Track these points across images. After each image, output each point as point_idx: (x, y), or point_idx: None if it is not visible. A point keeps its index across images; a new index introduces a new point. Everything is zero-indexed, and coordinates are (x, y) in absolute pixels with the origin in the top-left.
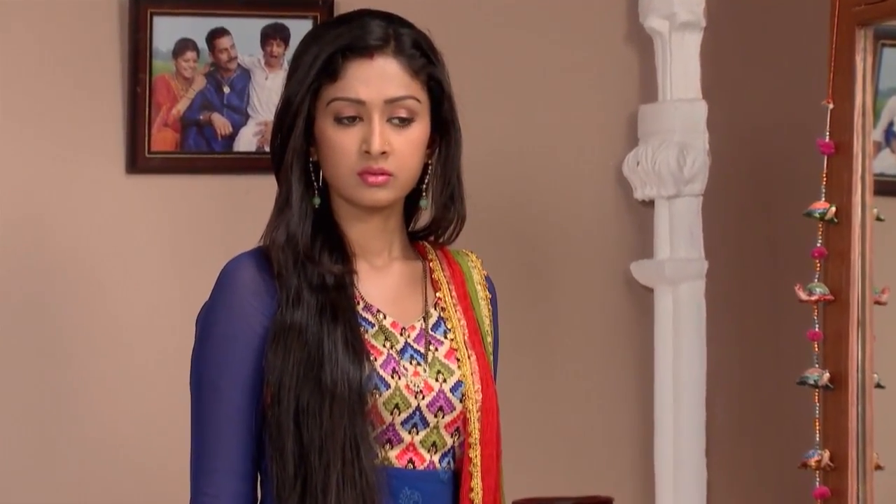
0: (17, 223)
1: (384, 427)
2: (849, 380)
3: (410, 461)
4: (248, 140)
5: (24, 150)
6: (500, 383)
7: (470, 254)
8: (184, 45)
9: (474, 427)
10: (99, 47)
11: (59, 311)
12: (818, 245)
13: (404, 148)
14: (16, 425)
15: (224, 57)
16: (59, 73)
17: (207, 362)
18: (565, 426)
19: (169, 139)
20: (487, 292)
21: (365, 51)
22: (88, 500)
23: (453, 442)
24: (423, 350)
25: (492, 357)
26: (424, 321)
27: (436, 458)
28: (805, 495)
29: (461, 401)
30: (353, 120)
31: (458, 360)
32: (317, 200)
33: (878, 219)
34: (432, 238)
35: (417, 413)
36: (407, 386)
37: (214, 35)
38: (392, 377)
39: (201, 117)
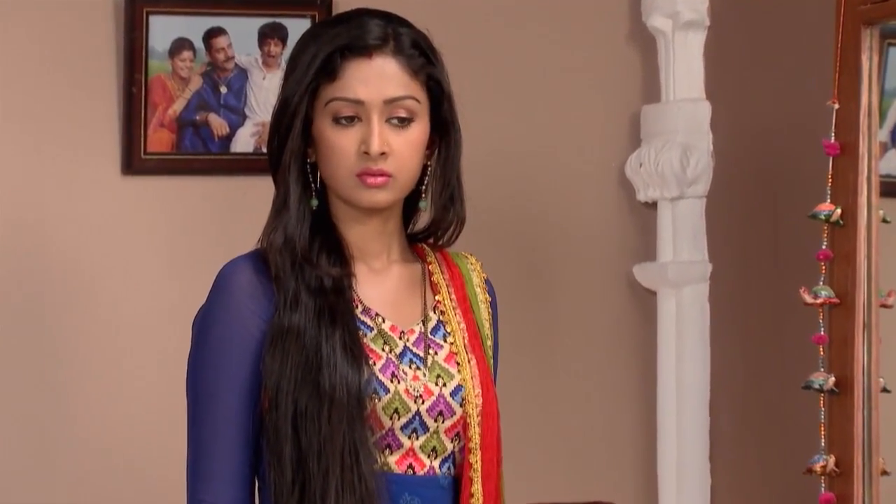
0: (11, 224)
1: (383, 432)
2: (854, 384)
3: (410, 466)
4: (245, 141)
5: (20, 150)
6: (500, 387)
7: (469, 256)
8: (180, 45)
9: (474, 432)
10: (94, 47)
11: (54, 314)
12: (823, 247)
13: (403, 149)
14: (11, 426)
15: (221, 56)
16: (54, 73)
17: (204, 366)
18: (567, 431)
19: (165, 140)
20: (487, 295)
21: (364, 50)
22: (85, 502)
23: (453, 447)
24: (422, 354)
25: (492, 361)
26: (423, 325)
27: (436, 463)
28: (810, 501)
29: (461, 405)
30: (351, 120)
31: (457, 364)
32: (315, 202)
33: (884, 220)
34: (431, 240)
35: (417, 418)
36: (406, 390)
37: (211, 34)
38: (391, 381)
39: (198, 118)
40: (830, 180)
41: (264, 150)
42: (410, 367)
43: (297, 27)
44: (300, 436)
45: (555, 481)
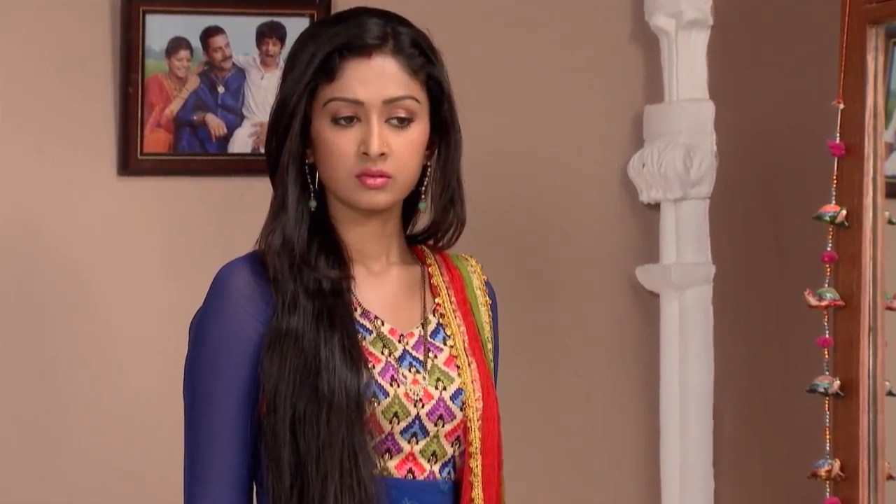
0: (7, 225)
1: (383, 436)
2: (860, 387)
3: (410, 471)
4: (243, 141)
5: (15, 151)
6: (501, 391)
7: (469, 258)
8: (177, 44)
9: (475, 436)
10: (90, 46)
11: (51, 316)
12: (828, 249)
13: (403, 149)
14: (7, 428)
15: (218, 56)
16: (49, 73)
17: (201, 370)
18: (569, 434)
19: (162, 140)
20: (487, 298)
21: (363, 50)
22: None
23: (453, 451)
24: (422, 357)
25: (492, 364)
26: (423, 328)
27: (436, 467)
28: None
29: (461, 409)
30: (350, 121)
31: (458, 367)
32: (313, 203)
33: (890, 222)
34: (431, 242)
35: (417, 422)
36: (406, 394)
37: (208, 33)
38: (391, 385)
39: (195, 118)
40: (835, 181)
41: (262, 150)
42: (410, 371)
43: (295, 26)
44: (298, 440)
45: (556, 485)
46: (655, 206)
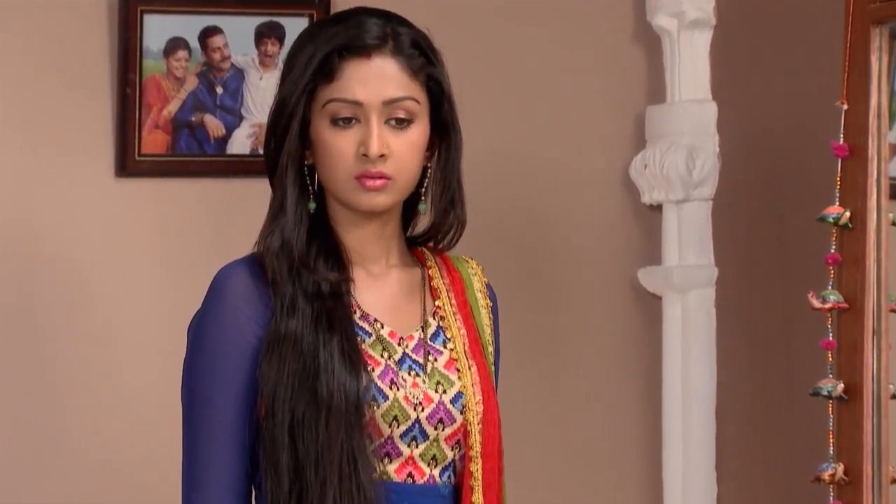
0: (4, 227)
1: (382, 440)
2: (864, 391)
3: (410, 475)
4: (241, 142)
5: (11, 152)
6: (501, 394)
7: (470, 260)
8: (175, 44)
9: (475, 440)
10: (87, 46)
11: (48, 319)
12: (832, 251)
13: (403, 151)
14: (4, 429)
15: (217, 56)
16: (46, 74)
17: (199, 373)
18: (570, 438)
19: (160, 141)
20: (488, 300)
21: (362, 50)
22: None
23: (454, 455)
24: (421, 360)
25: (493, 367)
26: (423, 331)
27: (436, 471)
28: None
29: (462, 413)
30: (349, 122)
31: (458, 370)
32: (312, 205)
33: (894, 224)
34: (431, 244)
35: (417, 425)
36: (406, 397)
37: (207, 34)
38: (390, 388)
39: (193, 119)
40: (839, 183)
41: (261, 151)
42: (410, 374)
43: (294, 26)
44: (297, 444)
45: (558, 489)
46: (657, 208)
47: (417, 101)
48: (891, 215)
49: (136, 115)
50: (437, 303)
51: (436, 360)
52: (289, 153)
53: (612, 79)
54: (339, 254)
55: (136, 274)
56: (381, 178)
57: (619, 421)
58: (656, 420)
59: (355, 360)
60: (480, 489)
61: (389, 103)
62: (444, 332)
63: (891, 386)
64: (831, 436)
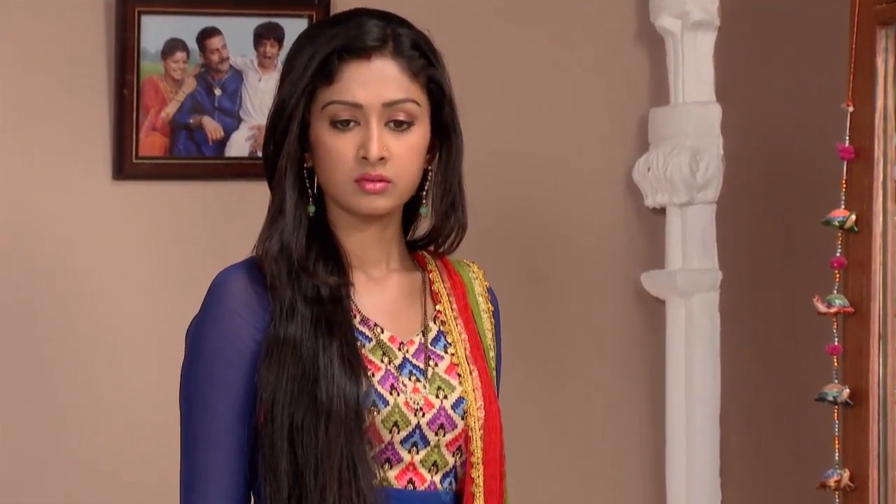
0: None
1: (383, 446)
2: (869, 396)
3: (410, 482)
4: (240, 145)
5: (7, 155)
6: (503, 400)
7: (471, 264)
8: (173, 46)
9: (476, 446)
10: (84, 48)
11: (45, 322)
12: (837, 255)
13: (403, 153)
14: (1, 432)
15: (215, 58)
16: (42, 75)
17: (198, 379)
18: (573, 443)
19: (157, 144)
20: (489, 305)
21: (362, 52)
22: None
23: (455, 461)
24: (422, 365)
25: (494, 372)
26: (423, 335)
27: (437, 478)
28: None
29: (463, 418)
30: (349, 124)
31: (459, 375)
32: (311, 209)
33: None
34: (432, 248)
35: (417, 431)
36: (406, 403)
37: (205, 35)
38: (391, 394)
39: (191, 121)
40: (845, 185)
41: (260, 154)
42: (410, 379)
43: (293, 27)
44: (296, 450)
45: (561, 495)
46: (661, 211)
47: (418, 104)
48: None
49: (133, 117)
50: (437, 307)
51: (437, 365)
52: (288, 156)
53: (614, 80)
54: (338, 257)
55: (134, 277)
56: (380, 181)
57: (621, 426)
58: (660, 425)
59: (355, 366)
60: (482, 495)
61: (389, 105)
62: (444, 337)
63: None
64: (837, 441)
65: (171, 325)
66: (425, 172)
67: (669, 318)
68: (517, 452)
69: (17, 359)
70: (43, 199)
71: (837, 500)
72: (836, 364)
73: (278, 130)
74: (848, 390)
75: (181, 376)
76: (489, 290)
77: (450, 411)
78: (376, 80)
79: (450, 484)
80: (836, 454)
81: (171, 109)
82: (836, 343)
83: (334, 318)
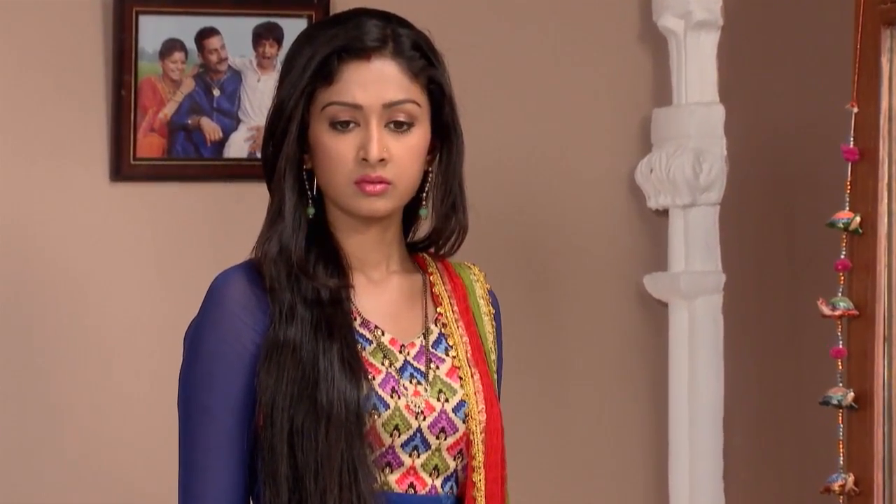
0: None
1: (383, 450)
2: (874, 399)
3: (411, 485)
4: (238, 146)
5: (3, 156)
6: (504, 403)
7: (472, 266)
8: (171, 46)
9: (478, 449)
10: (81, 48)
11: (42, 324)
12: (842, 257)
13: (403, 155)
14: None
15: (214, 58)
16: (39, 76)
17: (196, 382)
18: (574, 447)
19: (155, 145)
20: (491, 307)
21: (362, 52)
22: None
23: (456, 465)
24: (423, 368)
25: (496, 375)
26: (425, 338)
27: (438, 482)
28: None
29: (464, 422)
30: (349, 125)
31: (460, 378)
32: (311, 210)
33: None
34: (432, 250)
35: (418, 435)
36: (407, 406)
37: (204, 35)
38: (391, 397)
39: (190, 122)
40: (849, 187)
41: (259, 155)
42: (411, 382)
43: (292, 27)
44: (296, 454)
45: (562, 500)
46: (664, 213)
47: (418, 104)
48: None
49: (131, 118)
50: (438, 309)
51: (438, 367)
52: (287, 157)
53: (617, 81)
54: (338, 260)
55: (132, 280)
56: (380, 182)
57: (624, 430)
58: (663, 429)
59: (355, 369)
60: (483, 499)
61: (389, 106)
62: (446, 340)
63: None
64: (841, 445)
65: (170, 327)
66: (426, 174)
67: (672, 321)
68: (519, 456)
69: (13, 361)
70: (40, 201)
71: None
72: (840, 367)
73: (277, 131)
74: (852, 394)
75: (179, 379)
76: (490, 293)
77: (451, 415)
78: (376, 81)
79: (451, 488)
80: (841, 458)
81: (169, 110)
82: (840, 346)
83: (334, 320)
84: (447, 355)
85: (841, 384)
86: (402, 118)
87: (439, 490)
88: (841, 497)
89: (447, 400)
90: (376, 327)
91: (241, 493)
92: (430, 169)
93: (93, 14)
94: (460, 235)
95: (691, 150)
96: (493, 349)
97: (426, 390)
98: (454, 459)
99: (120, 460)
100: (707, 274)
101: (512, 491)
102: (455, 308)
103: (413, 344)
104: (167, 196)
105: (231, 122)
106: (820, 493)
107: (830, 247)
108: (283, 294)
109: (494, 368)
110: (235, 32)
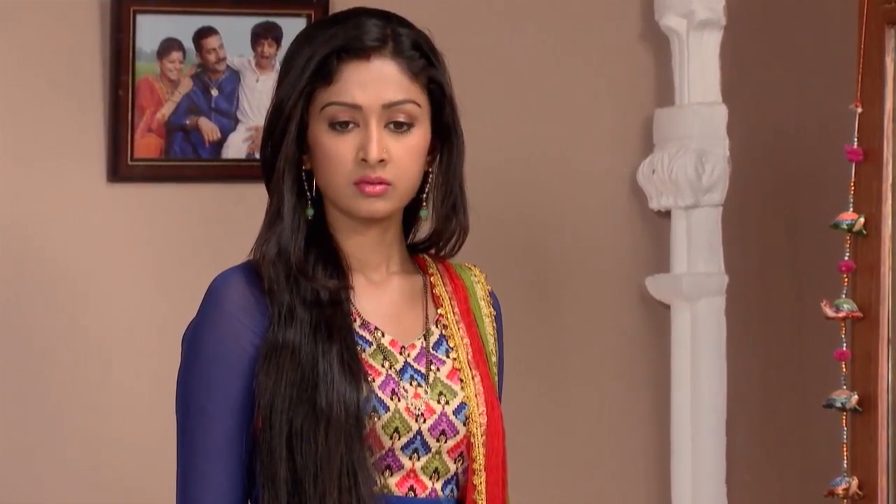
0: None
1: (383, 452)
2: (878, 402)
3: (411, 489)
4: (237, 146)
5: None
6: (505, 406)
7: (473, 268)
8: (169, 46)
9: (479, 452)
10: (79, 47)
11: (38, 326)
12: (846, 258)
13: (403, 155)
14: None
15: (212, 58)
16: (36, 76)
17: (194, 384)
18: (576, 451)
19: (153, 145)
20: (492, 309)
21: (361, 52)
22: None
23: (456, 468)
24: (423, 370)
25: (496, 378)
26: (425, 339)
27: (438, 485)
28: None
29: (465, 424)
30: (348, 126)
31: (461, 380)
32: (310, 212)
33: None
34: (433, 251)
35: (418, 437)
36: (407, 408)
37: (202, 34)
38: (391, 399)
39: (188, 122)
40: (853, 188)
41: (257, 156)
42: (411, 384)
43: (291, 27)
44: (295, 457)
45: (564, 503)
46: (666, 214)
47: (418, 105)
48: None
49: (128, 118)
50: (439, 311)
51: (438, 369)
52: (286, 158)
53: (618, 81)
54: (338, 261)
55: (129, 281)
56: (380, 183)
57: (626, 432)
58: (665, 432)
59: (355, 371)
60: (484, 503)
61: (389, 107)
62: (446, 341)
63: None
64: (845, 449)
65: (168, 329)
66: (426, 174)
67: (675, 323)
68: (520, 458)
69: (10, 362)
70: (36, 202)
71: None
72: (844, 370)
73: (276, 132)
74: (856, 396)
75: (177, 381)
76: (491, 294)
77: (451, 417)
78: (376, 81)
79: (451, 491)
80: (845, 461)
81: (166, 110)
82: (844, 348)
83: (334, 321)
84: (448, 357)
85: (845, 387)
86: (401, 119)
87: (439, 493)
88: (844, 501)
89: (447, 402)
90: (376, 328)
91: (240, 495)
92: (430, 170)
93: (90, 13)
94: (461, 237)
95: (694, 151)
96: (495, 351)
97: (426, 392)
98: (455, 462)
99: (118, 462)
100: (710, 275)
101: (512, 493)
102: (456, 309)
103: (413, 345)
104: (165, 197)
105: (229, 122)
106: (823, 497)
107: (834, 248)
108: (281, 296)
109: (496, 370)
110: (234, 32)
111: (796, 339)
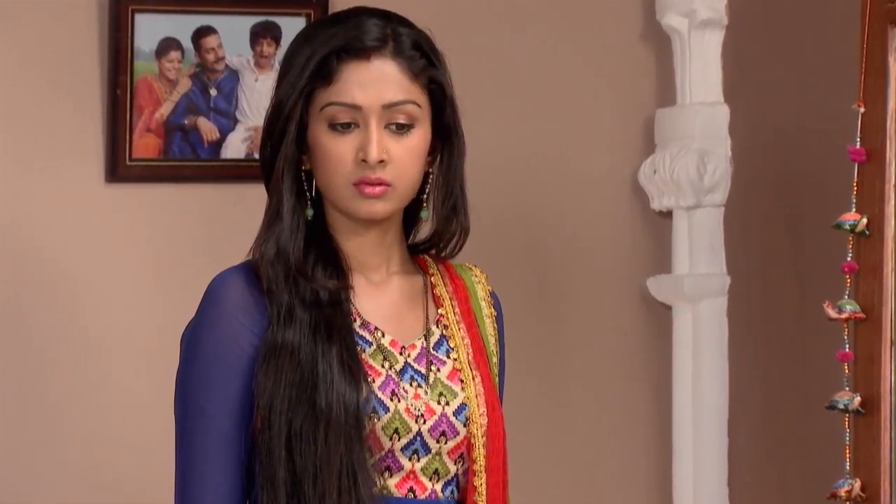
0: None
1: (383, 453)
2: (881, 404)
3: (411, 490)
4: (236, 146)
5: None
6: (506, 407)
7: (474, 268)
8: (167, 45)
9: (479, 453)
10: (77, 47)
11: (36, 327)
12: (848, 259)
13: (403, 156)
14: None
15: (211, 57)
16: (34, 75)
17: (193, 385)
18: (577, 451)
19: (151, 145)
20: (492, 309)
21: (361, 52)
22: None
23: (457, 469)
24: (424, 371)
25: (497, 378)
26: (425, 340)
27: (438, 486)
28: None
29: (465, 425)
30: (348, 126)
31: (461, 381)
32: (310, 212)
33: None
34: (433, 251)
35: (418, 438)
36: (407, 409)
37: (200, 34)
38: (391, 400)
39: (186, 122)
40: (856, 188)
41: (256, 156)
42: (411, 385)
43: (291, 26)
44: (295, 458)
45: None
46: (668, 214)
47: (418, 105)
48: None
49: (126, 118)
50: (440, 311)
51: (438, 370)
52: (285, 158)
53: (620, 80)
54: (337, 261)
55: (128, 281)
56: (380, 184)
57: (627, 434)
58: (666, 433)
59: (355, 371)
60: None
61: (389, 107)
62: (447, 342)
63: None
64: (848, 450)
65: (166, 329)
66: (426, 175)
67: (676, 324)
68: (521, 460)
69: (9, 362)
70: (35, 202)
71: None
72: (846, 371)
73: (275, 132)
74: (859, 398)
75: (176, 382)
76: (492, 295)
77: (451, 418)
78: (376, 81)
79: (451, 492)
80: (847, 463)
81: (165, 110)
82: (846, 349)
83: (334, 322)
84: (448, 357)
85: (847, 388)
86: (402, 119)
87: (439, 494)
88: (847, 503)
89: (448, 403)
90: (376, 329)
91: (239, 496)
92: (430, 170)
93: (88, 13)
94: (462, 237)
95: (695, 151)
96: (495, 351)
97: (426, 393)
98: (455, 463)
99: (116, 462)
100: (711, 276)
101: (513, 494)
102: (457, 310)
103: (413, 346)
104: (163, 197)
105: (228, 122)
106: (826, 499)
107: (837, 249)
108: (281, 296)
109: (496, 371)
110: (233, 31)
111: (798, 340)
